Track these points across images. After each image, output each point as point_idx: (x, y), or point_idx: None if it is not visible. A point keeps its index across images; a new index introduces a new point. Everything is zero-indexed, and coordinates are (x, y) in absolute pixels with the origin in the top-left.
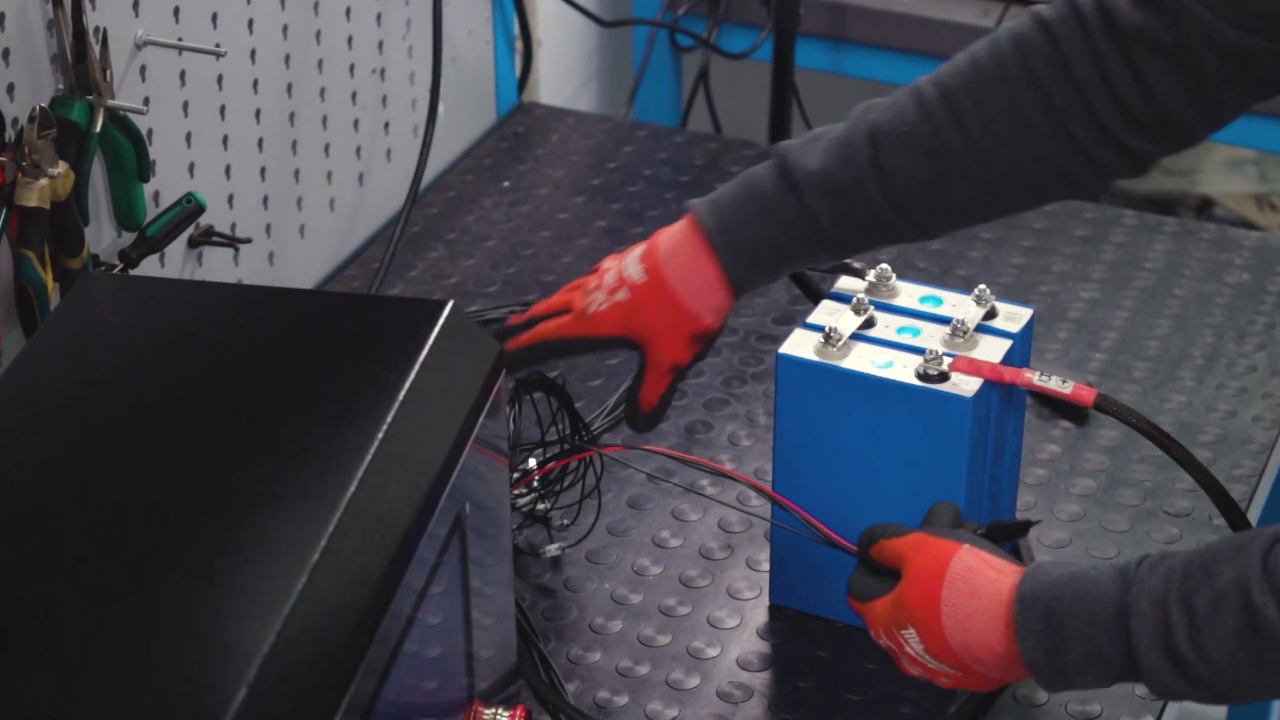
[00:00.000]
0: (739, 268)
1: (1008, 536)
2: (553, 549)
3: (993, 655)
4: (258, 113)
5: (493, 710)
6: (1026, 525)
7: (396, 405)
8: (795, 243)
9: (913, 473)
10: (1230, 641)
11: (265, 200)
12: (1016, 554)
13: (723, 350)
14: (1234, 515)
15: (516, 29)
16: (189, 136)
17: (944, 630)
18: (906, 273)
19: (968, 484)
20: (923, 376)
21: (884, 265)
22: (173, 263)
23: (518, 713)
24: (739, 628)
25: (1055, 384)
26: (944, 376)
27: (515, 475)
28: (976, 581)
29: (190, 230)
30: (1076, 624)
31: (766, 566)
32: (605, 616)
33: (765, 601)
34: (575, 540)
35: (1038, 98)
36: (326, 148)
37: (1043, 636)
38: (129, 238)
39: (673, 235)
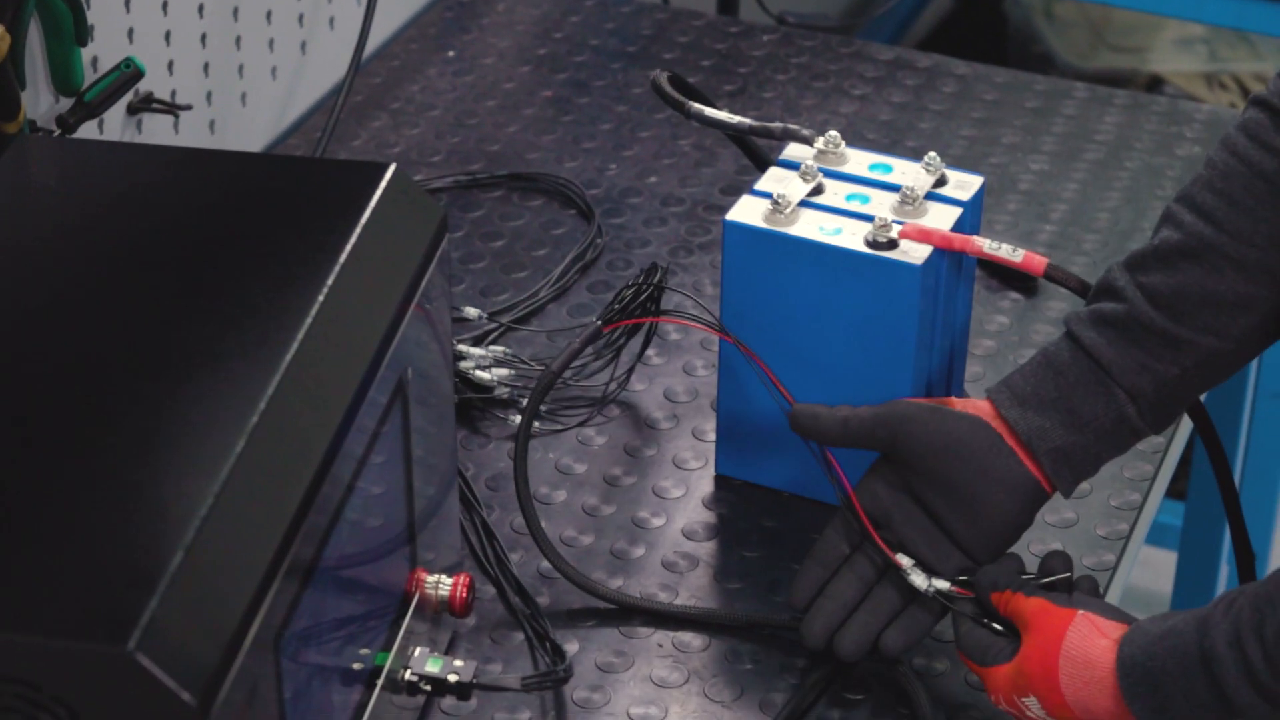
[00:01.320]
0: (1026, 419)
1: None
2: (519, 418)
3: (1110, 715)
4: None
5: (435, 578)
6: (1067, 582)
7: (338, 268)
8: (1078, 385)
9: (861, 341)
10: None
11: (205, 67)
12: None
13: (669, 220)
14: None
15: None
16: (127, 1)
17: (1064, 697)
18: (855, 143)
19: (915, 353)
20: (872, 244)
21: (833, 132)
22: (111, 129)
23: (460, 580)
24: (684, 498)
25: (1006, 252)
26: (893, 244)
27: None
28: (1090, 651)
29: (129, 96)
30: (1172, 679)
31: (713, 437)
32: (549, 486)
33: (711, 472)
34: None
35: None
36: (269, 14)
37: (1148, 698)
38: (67, 103)
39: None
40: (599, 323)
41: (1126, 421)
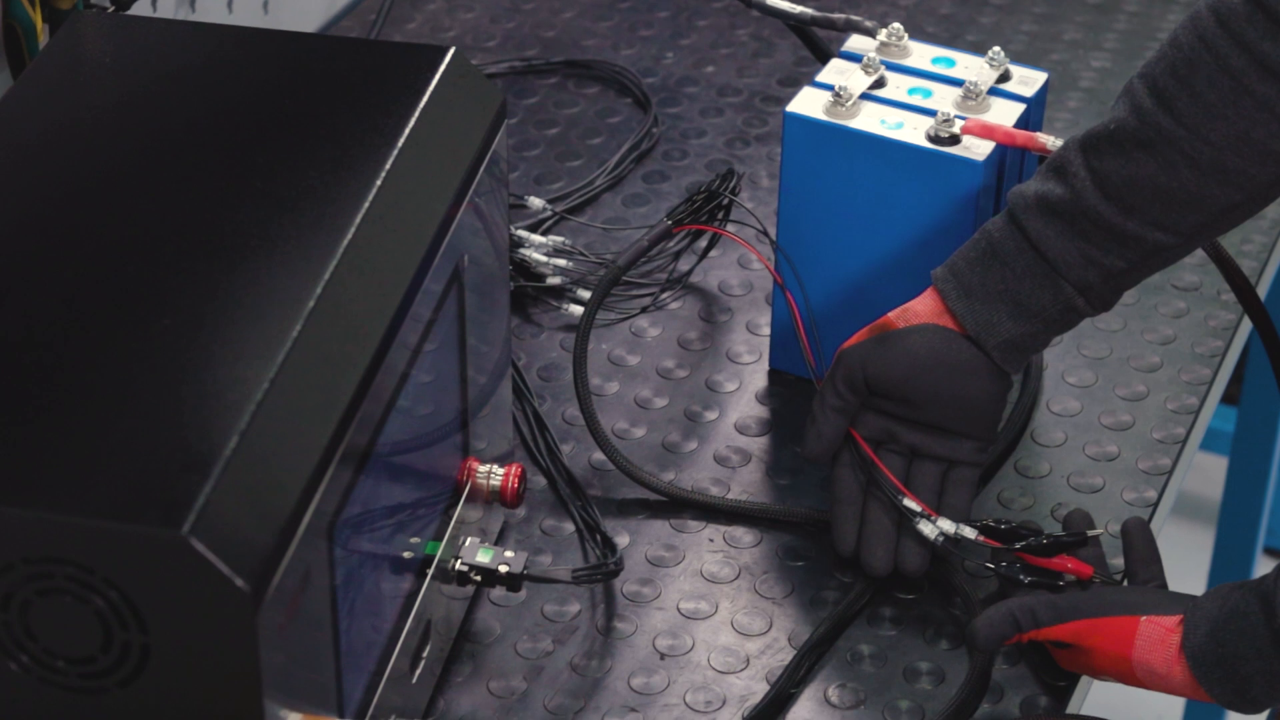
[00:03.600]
0: (974, 313)
1: (1061, 549)
2: (574, 308)
3: (1195, 695)
4: None
5: (487, 467)
6: (1084, 540)
7: (396, 152)
8: (1025, 276)
9: (920, 237)
10: None
11: None
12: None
13: (725, 111)
14: (1244, 290)
15: None
16: None
17: (1142, 685)
18: (914, 36)
19: None
20: (934, 139)
21: (896, 25)
22: (165, 7)
23: (512, 470)
24: (737, 392)
25: None
26: (955, 139)
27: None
28: (1156, 659)
29: None
30: (1246, 662)
31: (767, 331)
32: (602, 377)
33: (765, 366)
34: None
35: (1250, 61)
36: None
37: (1225, 682)
38: None
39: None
40: (669, 223)
41: (1074, 310)
